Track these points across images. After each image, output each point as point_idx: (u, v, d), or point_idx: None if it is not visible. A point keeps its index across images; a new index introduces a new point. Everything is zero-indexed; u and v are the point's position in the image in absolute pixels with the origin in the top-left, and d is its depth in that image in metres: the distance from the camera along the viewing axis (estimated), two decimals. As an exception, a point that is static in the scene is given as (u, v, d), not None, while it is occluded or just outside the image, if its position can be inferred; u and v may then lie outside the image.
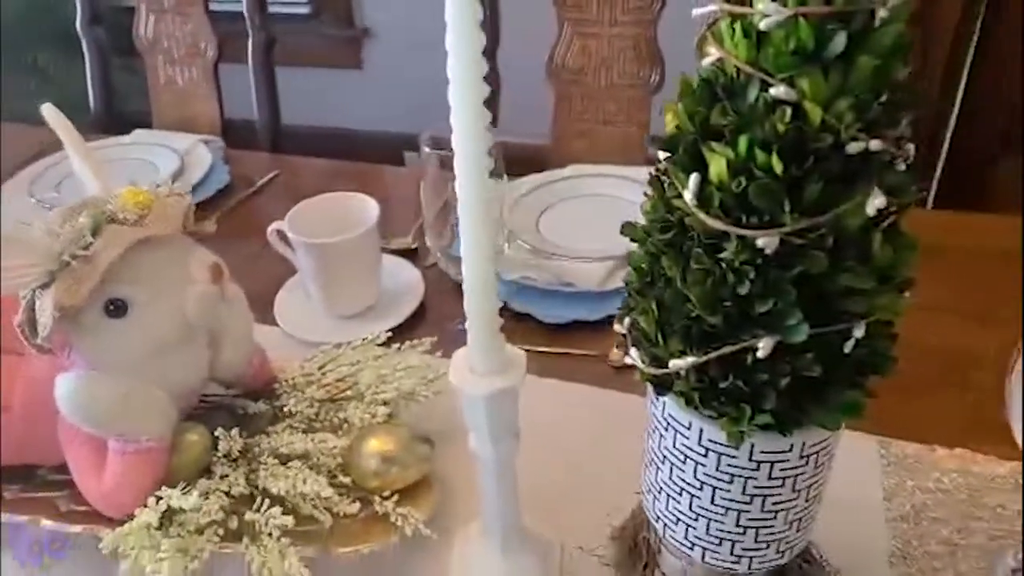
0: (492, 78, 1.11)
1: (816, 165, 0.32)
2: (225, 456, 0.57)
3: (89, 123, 1.37)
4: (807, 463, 0.40)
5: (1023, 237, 0.77)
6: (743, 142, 0.32)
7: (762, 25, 0.31)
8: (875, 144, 0.31)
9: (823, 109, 0.31)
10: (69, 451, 0.55)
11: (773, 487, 0.41)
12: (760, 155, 0.32)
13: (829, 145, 0.31)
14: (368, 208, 0.79)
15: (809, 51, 0.31)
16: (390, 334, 0.69)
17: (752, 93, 0.33)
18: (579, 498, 0.60)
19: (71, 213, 0.51)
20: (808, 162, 0.32)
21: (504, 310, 0.79)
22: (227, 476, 0.55)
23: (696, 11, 0.34)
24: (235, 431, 0.57)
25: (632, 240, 0.40)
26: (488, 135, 0.38)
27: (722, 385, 0.37)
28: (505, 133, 1.19)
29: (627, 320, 0.42)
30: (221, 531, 0.52)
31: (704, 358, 0.36)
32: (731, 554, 0.44)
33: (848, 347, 0.36)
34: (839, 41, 0.30)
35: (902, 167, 0.33)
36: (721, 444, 0.40)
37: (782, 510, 0.42)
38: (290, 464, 0.55)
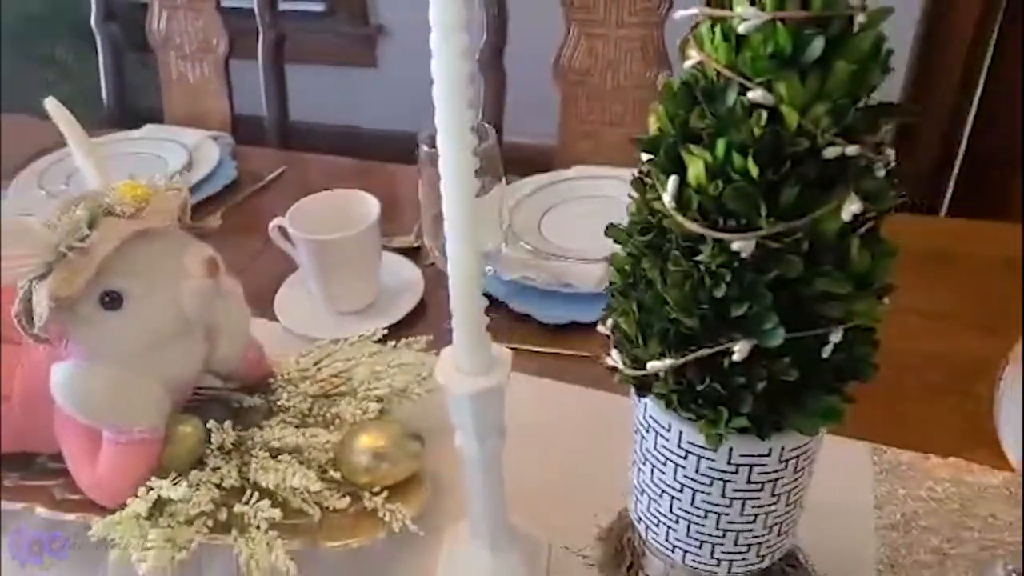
0: (499, 78, 1.12)
1: (792, 169, 0.32)
2: (218, 449, 0.57)
3: (102, 117, 1.39)
4: (787, 468, 0.40)
5: (1023, 245, 0.77)
6: (721, 145, 0.33)
7: (741, 29, 0.31)
8: (852, 149, 0.31)
9: (800, 114, 0.31)
10: (64, 440, 0.56)
11: (752, 491, 0.41)
12: (737, 158, 0.32)
13: (805, 149, 0.31)
14: (369, 206, 0.79)
15: (787, 55, 0.31)
16: (386, 331, 0.70)
17: (731, 96, 0.33)
18: (571, 498, 0.60)
19: (69, 206, 0.52)
20: (785, 166, 0.32)
21: (504, 310, 0.80)
22: (219, 468, 0.56)
23: (679, 14, 0.34)
24: (228, 424, 0.58)
25: (615, 241, 0.40)
26: (472, 136, 0.39)
27: (699, 387, 0.37)
28: (511, 133, 1.20)
29: (610, 321, 0.42)
30: (211, 523, 0.52)
31: (682, 360, 0.36)
32: (711, 557, 0.44)
33: (826, 352, 0.36)
34: (816, 46, 0.30)
35: (881, 173, 0.33)
36: (700, 447, 0.40)
37: (762, 514, 0.42)
38: (280, 458, 0.56)
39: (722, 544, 0.43)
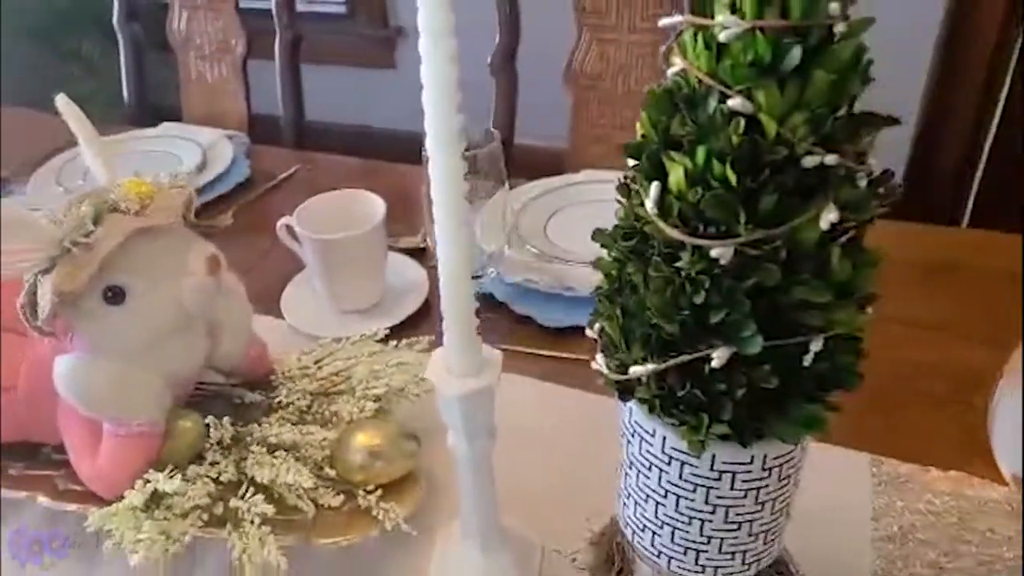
0: (510, 81, 1.12)
1: (771, 177, 0.32)
2: (217, 443, 0.58)
3: (123, 115, 1.41)
4: (771, 476, 0.40)
5: (1023, 256, 0.76)
6: (701, 152, 0.33)
7: (721, 37, 0.32)
8: (831, 159, 0.31)
9: (778, 122, 0.31)
10: (66, 431, 0.57)
11: (736, 498, 0.41)
12: (716, 166, 0.32)
13: (784, 158, 0.31)
14: (375, 206, 0.80)
15: (766, 64, 0.31)
16: (388, 331, 0.70)
17: (711, 104, 0.33)
18: (567, 501, 0.60)
19: (75, 202, 0.53)
20: (763, 174, 0.32)
21: (505, 312, 0.80)
22: (217, 463, 0.57)
23: (663, 21, 0.34)
24: (227, 419, 0.59)
25: (602, 246, 0.40)
26: (461, 138, 0.39)
27: (680, 393, 0.37)
28: (522, 136, 1.20)
29: (597, 325, 0.42)
30: (206, 516, 0.53)
31: (663, 366, 0.36)
32: (696, 563, 0.44)
33: (807, 360, 0.35)
34: (795, 55, 0.30)
35: (863, 183, 0.33)
36: (683, 452, 0.40)
37: (746, 522, 0.42)
38: (276, 454, 0.56)
39: (707, 551, 0.43)
